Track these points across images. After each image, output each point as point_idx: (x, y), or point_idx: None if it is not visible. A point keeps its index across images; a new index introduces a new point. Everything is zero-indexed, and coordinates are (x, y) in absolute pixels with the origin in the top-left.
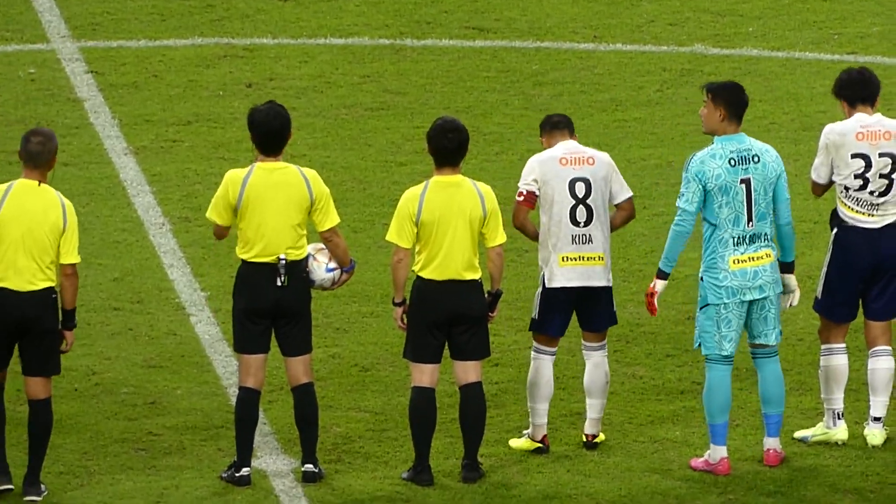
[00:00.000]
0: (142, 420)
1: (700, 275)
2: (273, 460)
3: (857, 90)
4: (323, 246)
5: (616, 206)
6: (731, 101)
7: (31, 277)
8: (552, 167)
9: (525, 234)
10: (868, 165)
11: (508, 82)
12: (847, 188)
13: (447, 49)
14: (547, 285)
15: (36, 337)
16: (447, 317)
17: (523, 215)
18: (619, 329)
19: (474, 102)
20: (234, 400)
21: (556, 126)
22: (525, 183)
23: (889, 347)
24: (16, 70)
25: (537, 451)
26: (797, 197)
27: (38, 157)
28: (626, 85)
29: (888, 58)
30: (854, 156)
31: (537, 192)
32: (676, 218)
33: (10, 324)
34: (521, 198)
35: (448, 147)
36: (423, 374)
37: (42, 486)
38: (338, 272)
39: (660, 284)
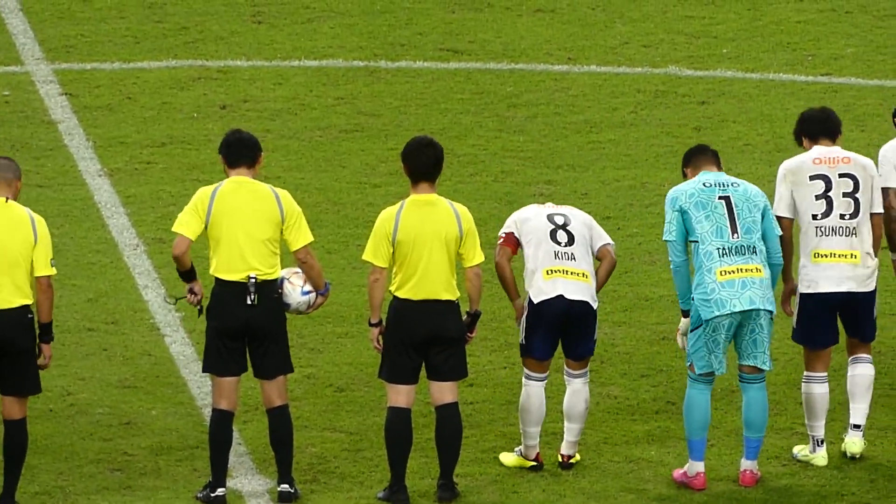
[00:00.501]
0: (117, 440)
1: (692, 296)
2: (248, 480)
3: (818, 125)
4: (298, 270)
5: (596, 255)
6: (691, 152)
7: (5, 295)
8: (530, 212)
9: (502, 278)
10: (828, 186)
11: (483, 104)
12: (814, 216)
13: (421, 71)
14: (533, 301)
15: (12, 356)
16: (424, 337)
17: (504, 256)
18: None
19: (448, 124)
20: (209, 420)
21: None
22: (505, 227)
23: (869, 356)
24: None
25: (532, 468)
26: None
27: (4, 170)
28: (601, 106)
29: (862, 79)
30: (813, 177)
31: (516, 234)
32: (669, 255)
33: None
34: (501, 239)
35: (425, 163)
36: (399, 395)
37: None
38: (313, 295)
39: (682, 323)
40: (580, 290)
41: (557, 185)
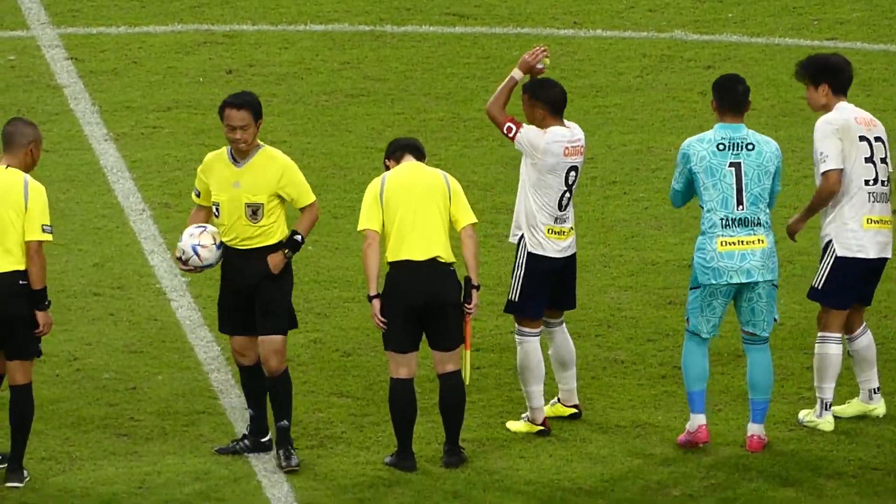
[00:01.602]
0: (123, 405)
1: (693, 255)
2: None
3: (845, 80)
4: (199, 228)
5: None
6: (721, 95)
7: None
8: (559, 149)
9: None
10: (872, 150)
11: (489, 68)
12: (866, 181)
13: (427, 35)
14: (531, 251)
15: (7, 323)
16: (422, 301)
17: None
18: (600, 314)
19: (454, 89)
20: (215, 385)
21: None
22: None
23: (865, 323)
24: None
25: (540, 433)
26: None
27: (9, 137)
28: (606, 71)
29: (868, 44)
30: (860, 138)
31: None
32: (669, 194)
33: None
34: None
35: (407, 142)
36: (401, 365)
37: (24, 472)
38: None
39: None
40: (572, 245)
41: None
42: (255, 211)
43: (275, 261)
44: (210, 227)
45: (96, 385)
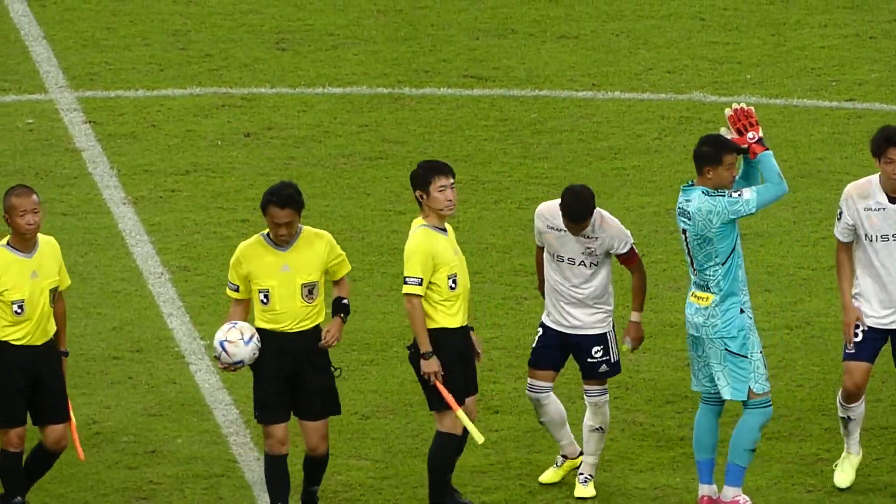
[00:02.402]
0: (142, 469)
1: None
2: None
3: None
4: (230, 325)
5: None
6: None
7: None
8: None
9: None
10: None
11: (507, 131)
12: None
13: (445, 98)
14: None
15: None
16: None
17: None
18: (618, 376)
19: (473, 151)
20: (234, 449)
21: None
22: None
23: None
24: (14, 120)
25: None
26: (795, 244)
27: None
28: (625, 133)
29: (886, 104)
30: None
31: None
32: None
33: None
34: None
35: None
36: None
37: None
38: (256, 338)
39: None
40: None
41: None
42: (311, 290)
43: (335, 329)
44: (240, 324)
45: (115, 448)
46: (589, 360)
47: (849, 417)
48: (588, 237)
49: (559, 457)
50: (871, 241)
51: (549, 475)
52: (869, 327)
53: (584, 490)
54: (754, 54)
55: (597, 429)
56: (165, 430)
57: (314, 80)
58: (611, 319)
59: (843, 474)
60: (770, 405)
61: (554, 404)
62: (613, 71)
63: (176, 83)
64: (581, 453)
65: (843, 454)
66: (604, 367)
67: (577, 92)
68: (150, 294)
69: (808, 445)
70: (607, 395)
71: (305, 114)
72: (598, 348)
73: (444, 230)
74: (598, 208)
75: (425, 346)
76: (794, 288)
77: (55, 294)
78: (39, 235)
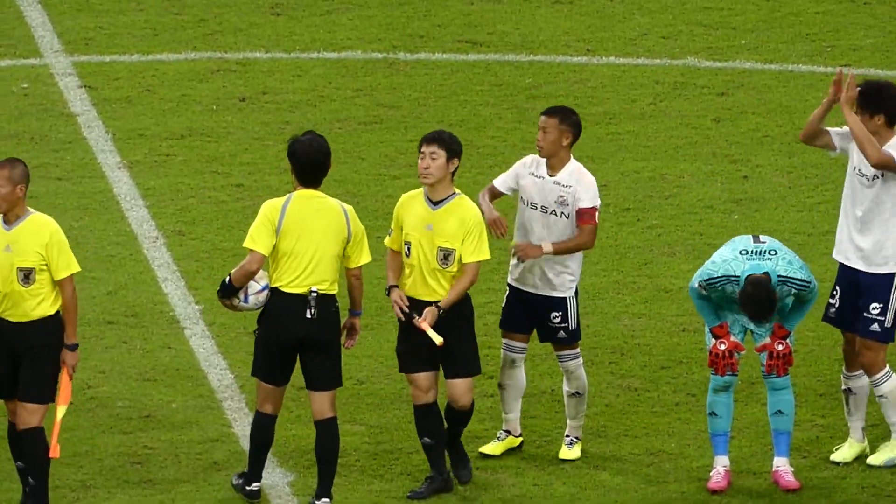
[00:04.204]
0: (137, 433)
1: None
2: (269, 473)
3: None
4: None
5: None
6: None
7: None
8: None
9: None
10: None
11: (502, 96)
12: None
13: (440, 63)
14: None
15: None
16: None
17: None
18: (613, 341)
19: (468, 116)
20: (229, 414)
21: None
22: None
23: None
24: (9, 85)
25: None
26: (791, 209)
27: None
28: (620, 98)
29: (881, 70)
30: None
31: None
32: None
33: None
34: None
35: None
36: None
37: None
38: (266, 293)
39: None
40: None
41: None
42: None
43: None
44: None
45: (110, 413)
46: (548, 324)
47: (850, 390)
48: (564, 185)
49: (502, 431)
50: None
51: (490, 447)
52: None
53: (569, 452)
54: (749, 20)
55: (573, 394)
56: (160, 394)
57: (309, 45)
58: (574, 286)
59: (841, 453)
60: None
61: (521, 371)
62: (608, 36)
63: (171, 48)
64: (521, 436)
65: (847, 441)
66: (561, 334)
67: (572, 57)
68: (144, 258)
69: (802, 412)
70: (580, 360)
71: (300, 78)
72: (557, 314)
73: (432, 201)
74: (579, 164)
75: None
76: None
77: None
78: (37, 216)
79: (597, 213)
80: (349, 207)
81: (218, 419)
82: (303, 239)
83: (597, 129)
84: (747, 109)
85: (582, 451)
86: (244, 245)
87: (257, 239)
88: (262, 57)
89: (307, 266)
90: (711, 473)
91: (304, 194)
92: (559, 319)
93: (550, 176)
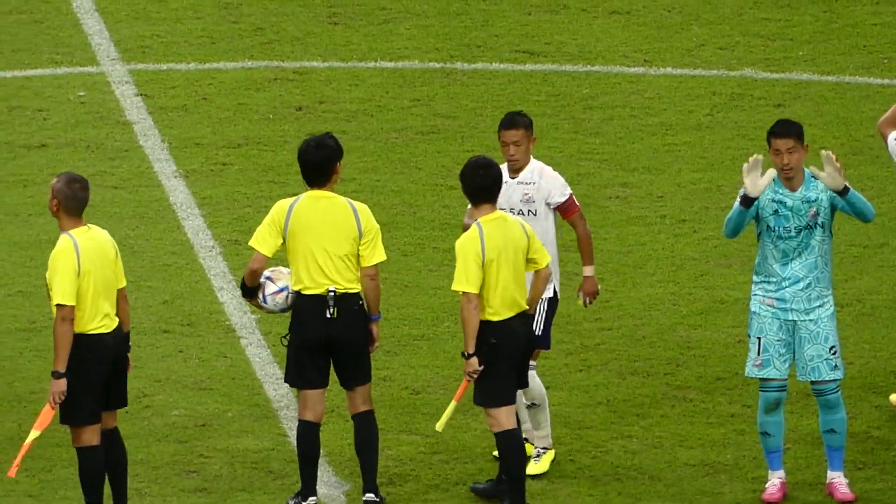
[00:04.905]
0: (192, 442)
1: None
2: (324, 484)
3: None
4: (277, 269)
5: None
6: None
7: (112, 316)
8: None
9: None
10: None
11: (559, 106)
12: None
13: (497, 73)
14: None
15: (122, 371)
16: (522, 352)
17: None
18: (669, 352)
19: None
20: (284, 423)
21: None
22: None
23: None
24: (66, 93)
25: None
26: (846, 221)
27: (84, 203)
28: (676, 109)
29: None
30: None
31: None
32: None
33: (109, 365)
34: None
35: (483, 184)
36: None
37: None
38: (284, 294)
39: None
40: None
41: (633, 187)
42: None
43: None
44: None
45: (165, 422)
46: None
47: None
48: (526, 183)
49: (539, 448)
50: None
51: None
52: None
53: (535, 467)
54: (806, 31)
55: (530, 405)
56: (216, 403)
57: (366, 54)
58: (552, 288)
59: None
60: (762, 390)
61: (534, 381)
62: (665, 47)
63: (227, 56)
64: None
65: None
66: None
67: (629, 68)
68: (200, 268)
69: (857, 423)
70: (534, 371)
71: (357, 88)
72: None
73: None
74: (538, 161)
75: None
76: (846, 266)
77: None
78: (61, 235)
79: (574, 199)
80: (361, 206)
81: (273, 428)
82: (311, 239)
83: (653, 140)
84: (804, 121)
85: (637, 461)
86: (249, 244)
87: (261, 239)
88: (319, 66)
89: (321, 266)
90: (767, 485)
91: (312, 195)
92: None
93: (513, 178)
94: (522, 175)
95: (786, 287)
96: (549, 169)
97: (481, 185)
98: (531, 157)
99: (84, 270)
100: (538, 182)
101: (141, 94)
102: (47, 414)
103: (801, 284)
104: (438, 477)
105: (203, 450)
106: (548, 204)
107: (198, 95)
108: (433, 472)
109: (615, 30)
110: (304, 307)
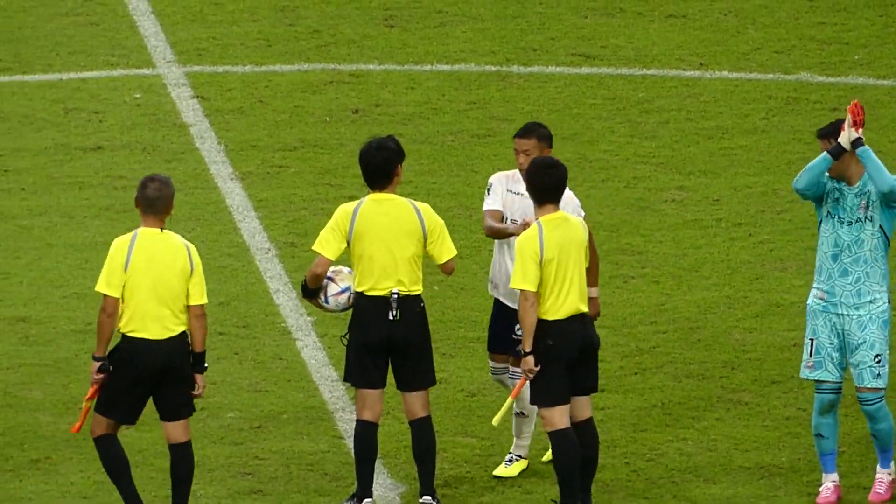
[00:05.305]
0: (248, 444)
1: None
2: (380, 486)
3: None
4: (331, 276)
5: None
6: None
7: (167, 324)
8: None
9: None
10: None
11: (615, 109)
12: None
13: (553, 76)
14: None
15: (174, 383)
16: (578, 353)
17: None
18: (724, 355)
19: (580, 129)
20: (340, 425)
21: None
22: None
23: None
24: (122, 95)
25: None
26: None
27: (156, 203)
28: (732, 112)
29: None
30: None
31: None
32: None
33: (150, 373)
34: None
35: (548, 184)
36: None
37: None
38: (346, 295)
39: None
40: None
41: (689, 190)
42: None
43: None
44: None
45: (220, 424)
46: (512, 336)
47: None
48: None
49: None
50: None
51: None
52: None
53: (506, 469)
54: (862, 35)
55: (518, 413)
56: (271, 405)
57: (422, 57)
58: None
59: None
60: (817, 391)
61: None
62: (721, 50)
63: (284, 59)
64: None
65: None
66: (519, 348)
67: (685, 71)
68: (256, 270)
69: None
70: None
71: (413, 91)
72: (520, 326)
73: None
74: None
75: None
76: None
77: None
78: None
79: (584, 220)
80: (423, 205)
81: (329, 430)
82: (375, 242)
83: (709, 144)
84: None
85: (692, 464)
86: (313, 248)
87: (325, 243)
88: (375, 69)
89: (384, 268)
90: (821, 489)
91: (374, 198)
92: (522, 332)
93: None
94: None
95: (835, 279)
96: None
97: (547, 186)
98: None
99: (133, 267)
100: None
101: (197, 97)
102: (91, 389)
103: (850, 278)
104: (494, 480)
105: (258, 452)
106: None
107: (254, 98)
108: (488, 475)
109: (671, 33)
110: (366, 308)
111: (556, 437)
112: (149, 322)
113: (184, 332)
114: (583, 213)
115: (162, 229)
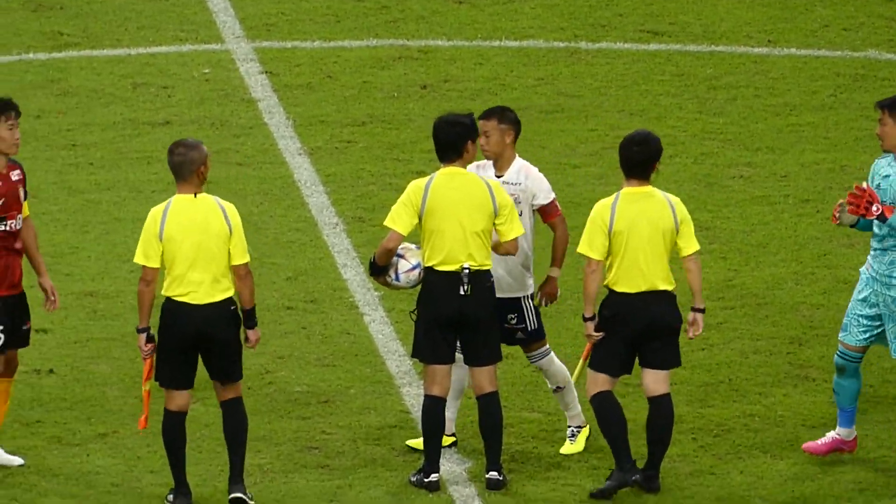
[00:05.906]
0: (315, 419)
1: None
2: (449, 463)
3: None
4: (402, 253)
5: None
6: None
7: (209, 289)
8: None
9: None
10: None
11: (683, 86)
12: None
13: (622, 52)
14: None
15: (218, 347)
16: (642, 328)
17: None
18: (792, 331)
19: (648, 105)
20: (407, 399)
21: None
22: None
23: None
24: (190, 70)
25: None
26: None
27: (181, 167)
28: (800, 89)
29: None
30: None
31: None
32: None
33: (192, 337)
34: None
35: (635, 159)
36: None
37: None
38: (417, 272)
39: None
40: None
41: (757, 167)
42: None
43: None
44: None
45: (288, 398)
46: (505, 325)
47: None
48: (512, 184)
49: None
50: None
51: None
52: None
53: (570, 447)
54: None
55: (556, 389)
56: (338, 380)
57: (491, 33)
58: (528, 284)
59: None
60: (837, 355)
61: (554, 364)
62: (789, 27)
63: (353, 34)
64: (453, 435)
65: None
66: (519, 335)
67: (753, 48)
68: (324, 244)
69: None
70: (551, 355)
71: (482, 66)
72: (513, 315)
73: None
74: (524, 161)
75: None
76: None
77: None
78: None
79: (557, 203)
80: (495, 182)
81: (396, 405)
82: (447, 216)
83: (777, 121)
84: None
85: (759, 440)
86: (384, 223)
87: (397, 218)
88: (443, 45)
89: (455, 243)
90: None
91: (446, 172)
92: (515, 320)
93: (499, 176)
94: (508, 175)
95: (877, 252)
96: (534, 170)
97: (633, 161)
98: (516, 155)
99: (168, 236)
100: (524, 183)
101: (266, 72)
102: (145, 366)
103: (888, 257)
104: (560, 455)
105: (325, 426)
106: (531, 205)
107: (322, 73)
108: (555, 450)
109: (739, 10)
110: (437, 283)
111: (594, 401)
112: (190, 287)
113: (228, 299)
114: (553, 195)
115: (196, 194)
